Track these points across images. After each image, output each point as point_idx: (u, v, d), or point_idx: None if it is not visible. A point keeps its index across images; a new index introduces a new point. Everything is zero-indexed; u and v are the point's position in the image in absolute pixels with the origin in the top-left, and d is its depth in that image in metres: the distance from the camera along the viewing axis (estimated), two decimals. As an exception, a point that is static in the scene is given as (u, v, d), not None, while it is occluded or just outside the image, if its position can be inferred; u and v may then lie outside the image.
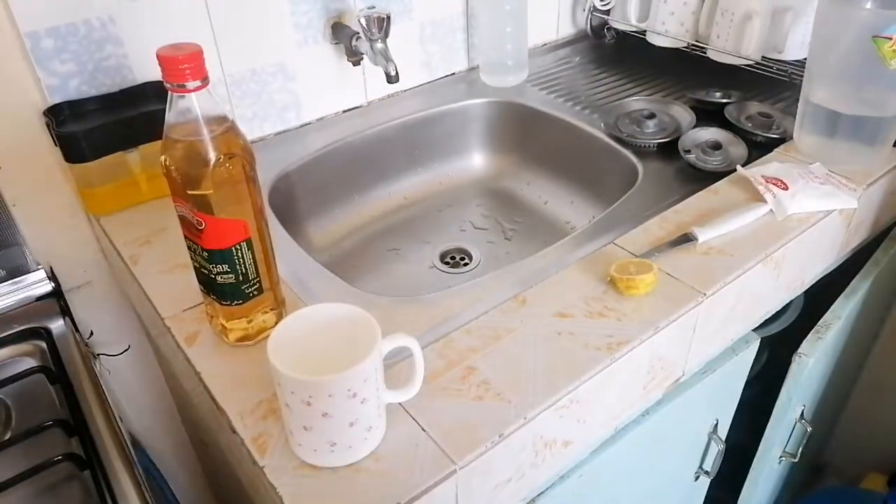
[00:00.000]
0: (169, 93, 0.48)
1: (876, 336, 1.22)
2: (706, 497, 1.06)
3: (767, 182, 0.75)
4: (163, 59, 0.47)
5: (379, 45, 0.86)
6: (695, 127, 0.91)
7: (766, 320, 0.85)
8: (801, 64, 0.89)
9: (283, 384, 0.47)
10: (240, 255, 0.55)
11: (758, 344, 0.83)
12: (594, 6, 1.19)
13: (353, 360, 0.46)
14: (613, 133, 0.92)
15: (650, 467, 0.82)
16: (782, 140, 0.88)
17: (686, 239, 0.70)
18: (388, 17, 0.84)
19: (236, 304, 0.57)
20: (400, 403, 0.54)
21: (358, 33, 0.89)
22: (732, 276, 0.66)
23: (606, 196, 0.91)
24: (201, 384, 0.58)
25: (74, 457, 0.61)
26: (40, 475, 0.60)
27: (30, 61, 0.73)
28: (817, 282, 0.87)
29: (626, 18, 1.13)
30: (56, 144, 0.74)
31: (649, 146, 0.89)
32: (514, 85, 1.07)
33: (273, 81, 0.91)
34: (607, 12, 1.18)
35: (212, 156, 0.50)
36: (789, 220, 0.73)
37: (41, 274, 0.82)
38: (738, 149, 0.87)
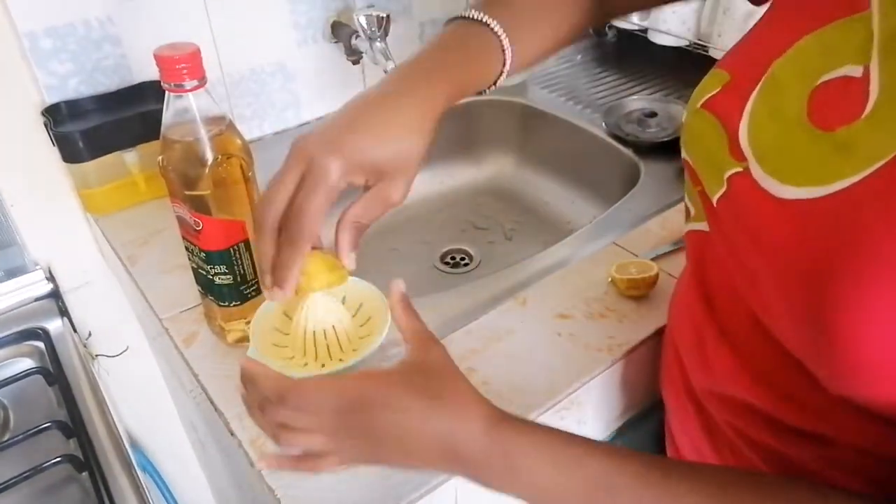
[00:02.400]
0: (166, 93, 0.48)
1: None
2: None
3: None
4: (160, 59, 0.46)
5: (378, 44, 0.85)
6: (696, 126, 0.90)
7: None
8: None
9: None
10: (238, 255, 0.54)
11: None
12: (595, 5, 1.18)
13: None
14: (615, 132, 0.91)
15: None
16: (784, 139, 0.87)
17: (687, 239, 0.69)
18: (388, 17, 0.84)
19: (234, 306, 0.57)
20: (399, 405, 0.53)
21: (357, 32, 0.88)
22: (734, 276, 0.66)
23: (607, 196, 0.91)
24: (199, 385, 0.57)
25: (72, 458, 0.61)
26: (38, 476, 0.60)
27: (28, 61, 0.73)
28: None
29: (628, 17, 1.12)
30: (54, 144, 0.74)
31: (651, 145, 0.89)
32: (515, 84, 1.07)
33: (272, 81, 0.91)
34: (608, 11, 1.18)
35: (209, 156, 0.50)
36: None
37: (39, 274, 0.81)
38: (740, 148, 0.86)
